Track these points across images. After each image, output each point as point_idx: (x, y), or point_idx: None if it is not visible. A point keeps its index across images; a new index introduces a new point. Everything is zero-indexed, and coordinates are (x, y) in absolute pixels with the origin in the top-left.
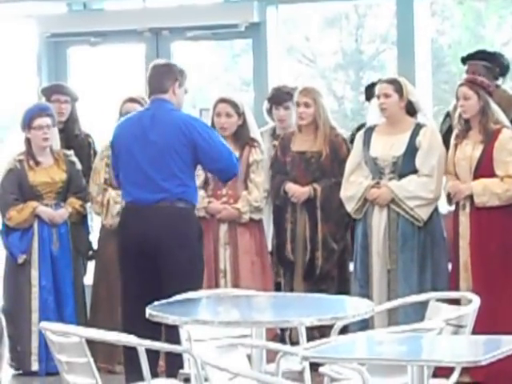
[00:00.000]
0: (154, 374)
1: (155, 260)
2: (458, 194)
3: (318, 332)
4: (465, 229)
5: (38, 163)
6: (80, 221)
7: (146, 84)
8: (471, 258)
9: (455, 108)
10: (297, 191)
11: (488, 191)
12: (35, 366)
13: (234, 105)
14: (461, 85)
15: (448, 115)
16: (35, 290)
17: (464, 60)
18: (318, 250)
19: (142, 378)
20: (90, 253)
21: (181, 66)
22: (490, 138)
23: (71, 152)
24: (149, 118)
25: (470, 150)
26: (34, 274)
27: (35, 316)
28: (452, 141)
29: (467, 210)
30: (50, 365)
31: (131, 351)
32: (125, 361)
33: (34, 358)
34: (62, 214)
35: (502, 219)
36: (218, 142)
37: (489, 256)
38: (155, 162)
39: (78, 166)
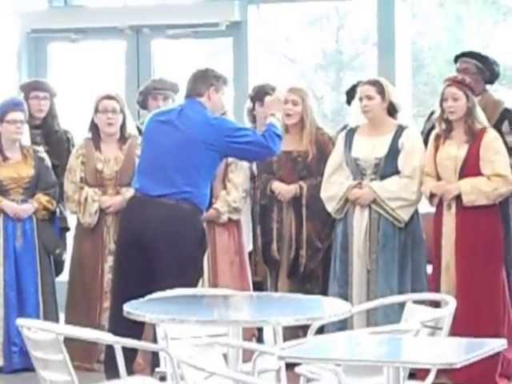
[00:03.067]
0: (130, 372)
1: (149, 255)
2: (446, 194)
3: (303, 331)
4: (449, 229)
5: (5, 158)
6: (48, 218)
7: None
8: (456, 258)
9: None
10: (283, 189)
11: (476, 190)
12: (0, 362)
13: None
14: (449, 85)
15: (431, 116)
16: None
17: (457, 58)
18: (302, 248)
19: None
20: (58, 251)
21: (220, 72)
22: (474, 137)
23: (41, 148)
24: (177, 113)
25: (454, 150)
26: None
27: (0, 311)
28: (431, 141)
29: (453, 210)
30: (15, 361)
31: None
32: (105, 358)
33: None
34: (26, 208)
35: (488, 219)
36: (239, 139)
37: (474, 256)
38: (171, 153)
39: (48, 162)
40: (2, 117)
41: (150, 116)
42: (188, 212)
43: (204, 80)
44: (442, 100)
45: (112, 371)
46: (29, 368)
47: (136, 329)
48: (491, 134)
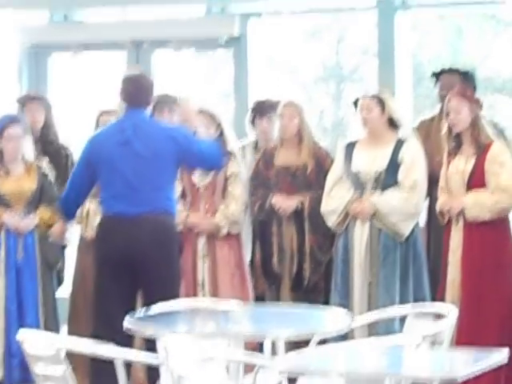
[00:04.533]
0: None
1: (137, 273)
2: (452, 211)
3: (306, 342)
4: (456, 245)
5: (8, 172)
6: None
7: (128, 95)
8: (462, 274)
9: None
10: (284, 204)
11: (478, 204)
12: (0, 374)
13: (212, 116)
14: (450, 98)
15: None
16: (1, 299)
17: (436, 74)
18: (305, 262)
19: None
20: (59, 265)
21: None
22: (481, 150)
23: (44, 164)
24: (131, 130)
25: (462, 164)
26: (0, 282)
27: (0, 324)
28: (444, 158)
29: (460, 225)
30: (15, 374)
31: (98, 363)
32: (92, 373)
33: None
34: (27, 223)
35: (495, 235)
36: (200, 143)
37: (480, 272)
38: (141, 174)
39: (51, 178)
40: (0, 133)
41: (98, 138)
42: (170, 224)
43: (152, 89)
44: (446, 115)
45: None
46: (28, 380)
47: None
48: (497, 147)
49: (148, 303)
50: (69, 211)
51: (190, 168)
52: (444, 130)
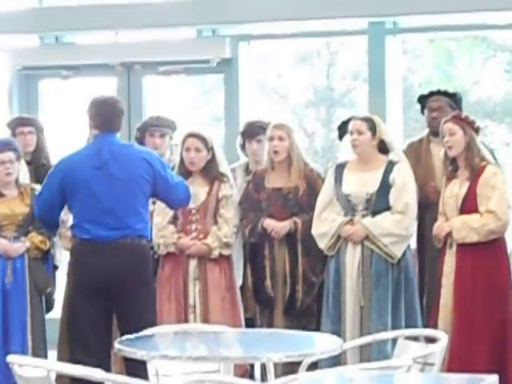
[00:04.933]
0: None
1: (113, 297)
2: (439, 232)
3: (299, 367)
4: (449, 268)
5: (1, 195)
6: (41, 257)
7: (102, 119)
8: (454, 297)
9: (412, 146)
10: (276, 226)
11: (466, 226)
12: None
13: (203, 139)
14: (445, 122)
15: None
16: None
17: (425, 96)
18: (298, 284)
19: None
20: (49, 289)
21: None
22: (475, 174)
23: (38, 186)
24: (107, 153)
25: (457, 188)
26: None
27: None
28: (443, 182)
29: (453, 248)
30: None
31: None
32: None
33: None
34: (17, 248)
35: (487, 258)
36: (173, 175)
37: (473, 296)
38: (119, 198)
39: None
40: None
41: (73, 162)
42: (145, 248)
43: (121, 115)
44: (442, 138)
45: None
46: None
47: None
48: (490, 171)
49: (124, 328)
50: (49, 226)
51: (160, 197)
52: (441, 154)
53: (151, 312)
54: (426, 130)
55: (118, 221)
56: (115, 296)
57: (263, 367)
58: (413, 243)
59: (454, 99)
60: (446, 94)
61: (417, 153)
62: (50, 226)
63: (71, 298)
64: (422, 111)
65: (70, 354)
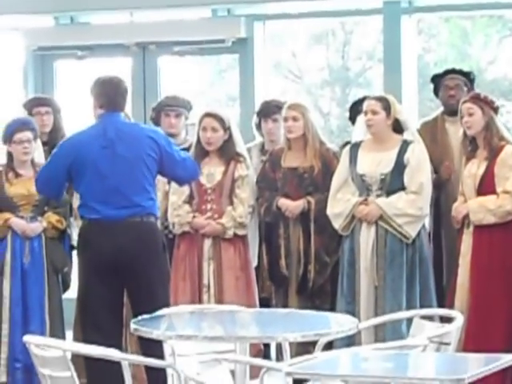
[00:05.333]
0: None
1: (125, 277)
2: (456, 214)
3: (313, 347)
4: (466, 248)
5: (17, 175)
6: (57, 236)
7: (107, 98)
8: (471, 277)
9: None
10: (290, 205)
11: (483, 208)
12: (3, 378)
13: (220, 119)
14: (464, 102)
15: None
16: (6, 302)
17: (438, 76)
18: (310, 263)
19: None
20: (66, 269)
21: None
22: (493, 154)
23: None
24: (113, 132)
25: (475, 168)
26: (6, 285)
27: (5, 327)
28: (463, 162)
29: (471, 228)
30: (18, 378)
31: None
32: (90, 377)
33: (2, 369)
34: (34, 227)
35: (504, 239)
36: (178, 152)
37: (489, 276)
38: (126, 177)
39: None
40: (11, 137)
41: (80, 141)
42: (154, 225)
43: (126, 94)
44: (461, 118)
45: None
46: None
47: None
48: (509, 150)
49: (136, 307)
50: (51, 196)
51: (167, 174)
52: (460, 133)
53: (164, 290)
54: (440, 109)
55: (125, 199)
56: (126, 275)
57: (278, 347)
58: (427, 224)
59: (468, 78)
60: (461, 72)
61: (432, 132)
62: (51, 196)
63: (82, 279)
64: (435, 91)
65: (83, 335)
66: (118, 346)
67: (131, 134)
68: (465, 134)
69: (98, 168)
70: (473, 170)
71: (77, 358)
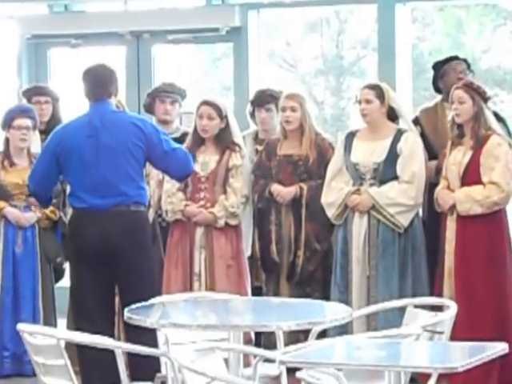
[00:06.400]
0: (112, 378)
1: (113, 265)
2: (443, 204)
3: (304, 336)
4: (451, 235)
5: (12, 164)
6: (50, 226)
7: (88, 89)
8: (455, 265)
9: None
10: (282, 191)
11: (470, 198)
12: None
13: (217, 108)
14: (456, 88)
15: (416, 122)
16: None
17: (439, 64)
18: (299, 249)
19: (100, 382)
20: (59, 259)
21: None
22: (479, 144)
23: None
24: (99, 122)
25: (460, 156)
26: None
27: None
28: (448, 146)
29: (454, 215)
30: (6, 367)
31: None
32: (82, 365)
33: None
34: (28, 217)
35: (488, 228)
36: (168, 142)
37: (473, 264)
38: (111, 166)
39: None
40: (10, 123)
41: (66, 132)
42: (141, 214)
43: (112, 79)
44: (452, 104)
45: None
46: (20, 373)
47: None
48: (495, 140)
49: (124, 297)
50: (42, 199)
51: (158, 166)
52: (449, 118)
53: (151, 280)
54: (439, 97)
55: (111, 188)
56: (113, 264)
57: (266, 336)
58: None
59: (468, 67)
60: (463, 60)
61: (433, 119)
62: (42, 199)
63: (72, 268)
64: (434, 80)
65: (74, 323)
66: (109, 334)
67: (116, 122)
68: (453, 119)
69: (83, 157)
70: (458, 158)
71: (70, 346)
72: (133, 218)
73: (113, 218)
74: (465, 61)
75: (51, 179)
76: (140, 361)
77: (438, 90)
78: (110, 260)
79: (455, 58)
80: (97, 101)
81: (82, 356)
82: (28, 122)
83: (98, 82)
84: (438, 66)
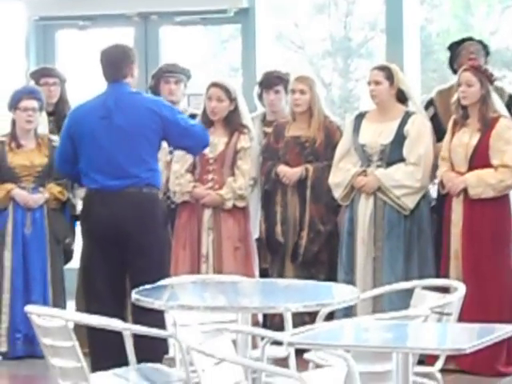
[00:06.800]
0: (122, 359)
1: (123, 247)
2: (454, 188)
3: (310, 318)
4: (458, 216)
5: (19, 146)
6: (59, 207)
7: (102, 70)
8: (462, 247)
9: (442, 94)
10: (288, 172)
11: (482, 182)
12: (4, 347)
13: (226, 90)
14: (464, 70)
15: (431, 103)
16: (7, 272)
17: (454, 45)
18: (303, 230)
19: (109, 364)
20: (68, 240)
21: (131, 46)
22: (487, 126)
23: (56, 137)
24: (113, 103)
25: (467, 138)
26: (7, 255)
27: (6, 297)
28: (450, 126)
29: (461, 197)
30: (19, 348)
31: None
32: (92, 346)
33: (3, 339)
34: (37, 198)
35: (495, 210)
36: (184, 119)
37: (480, 245)
38: (123, 148)
39: None
40: (16, 104)
41: (80, 112)
42: (153, 196)
43: (127, 59)
44: (458, 85)
45: (100, 360)
46: (32, 355)
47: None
48: (504, 123)
49: (133, 278)
50: (70, 178)
51: (175, 144)
52: (454, 99)
53: (160, 262)
54: (455, 78)
55: (122, 170)
56: (123, 245)
57: (268, 318)
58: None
59: (486, 49)
60: (479, 42)
61: (447, 101)
62: (70, 178)
63: (84, 248)
64: (451, 61)
65: (85, 304)
66: (119, 315)
67: (131, 104)
68: (458, 101)
69: (95, 138)
70: (464, 140)
71: (79, 328)
72: (144, 199)
73: (123, 199)
74: (480, 42)
75: (71, 158)
76: (148, 343)
77: (455, 71)
78: (120, 241)
79: (469, 39)
80: (112, 82)
81: (92, 338)
82: (34, 104)
83: (111, 62)
84: (454, 48)
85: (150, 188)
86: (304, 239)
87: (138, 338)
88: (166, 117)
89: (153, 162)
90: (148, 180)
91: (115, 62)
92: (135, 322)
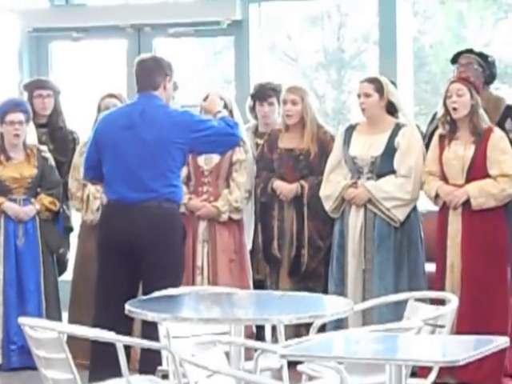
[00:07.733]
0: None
1: (138, 260)
2: (455, 200)
3: (305, 329)
4: (455, 229)
5: (8, 158)
6: (52, 218)
7: (135, 79)
8: (462, 259)
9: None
10: (284, 189)
11: (484, 193)
12: None
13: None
14: (453, 82)
15: (435, 117)
16: (0, 284)
17: (455, 56)
18: (303, 248)
19: (107, 375)
20: (61, 250)
21: (168, 60)
22: (481, 137)
23: (45, 147)
24: (138, 114)
25: (461, 151)
26: (0, 268)
27: (0, 310)
28: (435, 141)
29: (459, 210)
30: (14, 360)
31: (99, 348)
32: (92, 357)
33: None
34: (27, 210)
35: (495, 220)
36: (211, 128)
37: (480, 256)
38: (144, 161)
39: (52, 161)
40: (2, 118)
41: (107, 119)
42: (172, 211)
43: (159, 71)
44: (446, 98)
45: (99, 370)
46: (27, 367)
47: (128, 331)
48: (498, 134)
49: (148, 292)
50: (98, 183)
51: (200, 153)
52: (440, 113)
53: (175, 279)
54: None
55: (142, 183)
56: (139, 259)
57: (272, 329)
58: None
59: (486, 61)
60: (479, 54)
61: None
62: (97, 183)
63: (99, 259)
64: None
65: (93, 317)
66: (126, 328)
67: (156, 117)
68: (446, 113)
69: (118, 148)
70: (459, 152)
71: (72, 340)
72: (162, 214)
73: (141, 212)
74: (480, 55)
75: (96, 164)
76: (151, 355)
77: None
78: (135, 254)
79: (469, 51)
80: (141, 92)
81: (94, 349)
82: (20, 117)
83: (144, 72)
84: (455, 60)
85: (170, 203)
86: (305, 257)
87: (144, 351)
88: (193, 132)
89: (174, 178)
90: (168, 195)
91: (148, 72)
92: (143, 335)
